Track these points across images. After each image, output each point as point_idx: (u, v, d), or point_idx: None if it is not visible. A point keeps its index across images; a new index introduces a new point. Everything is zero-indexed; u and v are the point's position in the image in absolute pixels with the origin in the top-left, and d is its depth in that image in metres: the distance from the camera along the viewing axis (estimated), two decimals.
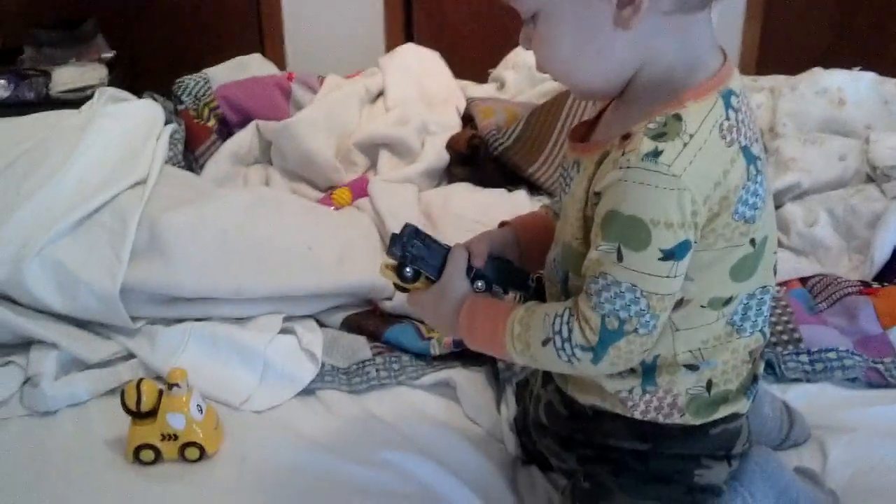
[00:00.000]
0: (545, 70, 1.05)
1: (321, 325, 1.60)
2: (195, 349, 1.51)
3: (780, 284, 1.65)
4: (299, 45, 3.78)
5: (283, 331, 1.56)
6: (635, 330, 0.97)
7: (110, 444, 1.35)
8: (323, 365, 1.50)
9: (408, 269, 1.12)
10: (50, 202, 1.64)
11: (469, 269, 1.12)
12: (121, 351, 1.52)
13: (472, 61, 2.75)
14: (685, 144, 0.92)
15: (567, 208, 1.06)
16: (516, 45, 1.05)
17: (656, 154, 0.92)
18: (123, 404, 1.30)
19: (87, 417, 1.41)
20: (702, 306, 1.02)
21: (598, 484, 1.12)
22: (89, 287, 1.52)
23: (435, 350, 1.50)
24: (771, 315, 1.52)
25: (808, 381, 1.46)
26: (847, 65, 2.36)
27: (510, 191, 2.08)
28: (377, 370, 1.49)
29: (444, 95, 2.41)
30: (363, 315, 1.61)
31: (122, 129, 1.89)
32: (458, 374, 1.47)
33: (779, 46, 3.66)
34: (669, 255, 0.94)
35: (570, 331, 0.99)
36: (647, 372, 1.05)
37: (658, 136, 0.93)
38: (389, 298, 1.60)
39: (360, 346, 1.53)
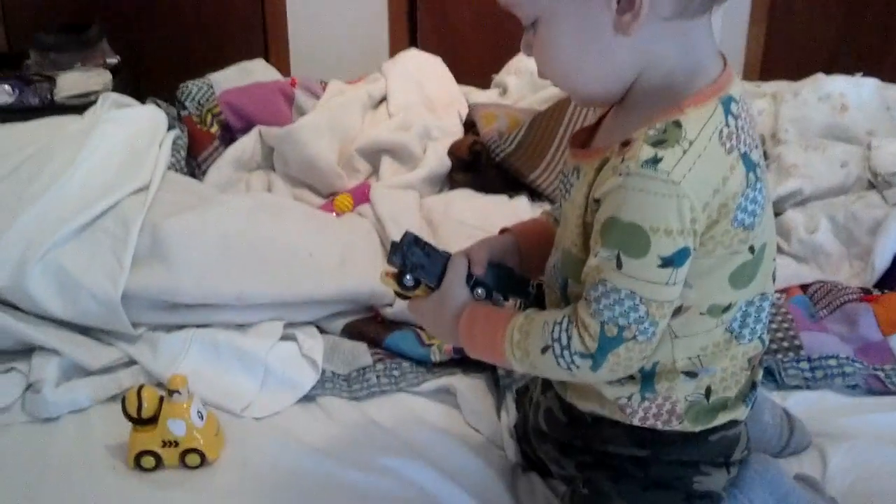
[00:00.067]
0: (546, 76, 1.06)
1: (322, 331, 1.61)
2: (196, 356, 1.51)
3: (780, 291, 1.66)
4: (304, 49, 3.79)
5: (284, 337, 1.56)
6: (634, 337, 0.97)
7: (111, 451, 1.35)
8: (323, 371, 1.50)
9: (408, 277, 1.13)
10: (53, 207, 1.64)
11: (469, 276, 1.13)
12: (122, 357, 1.52)
13: (476, 66, 2.76)
14: (685, 151, 0.92)
15: (567, 214, 1.06)
16: (519, 50, 1.06)
17: (656, 161, 0.92)
18: (124, 411, 1.30)
19: (89, 424, 1.41)
20: (701, 313, 1.02)
21: (598, 490, 1.12)
22: (91, 293, 1.52)
23: (435, 357, 1.50)
24: (771, 322, 1.52)
25: (809, 388, 1.46)
26: (852, 69, 2.36)
27: (511, 197, 2.08)
28: (378, 377, 1.49)
29: (447, 101, 2.42)
30: (364, 321, 1.61)
31: (125, 134, 1.89)
32: (459, 381, 1.47)
33: (784, 50, 3.66)
34: (668, 263, 0.94)
35: (569, 338, 0.99)
36: (646, 379, 1.05)
37: (658, 142, 0.93)
38: (390, 305, 1.60)
39: (360, 353, 1.53)
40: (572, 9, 0.97)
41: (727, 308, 1.03)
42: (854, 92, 2.23)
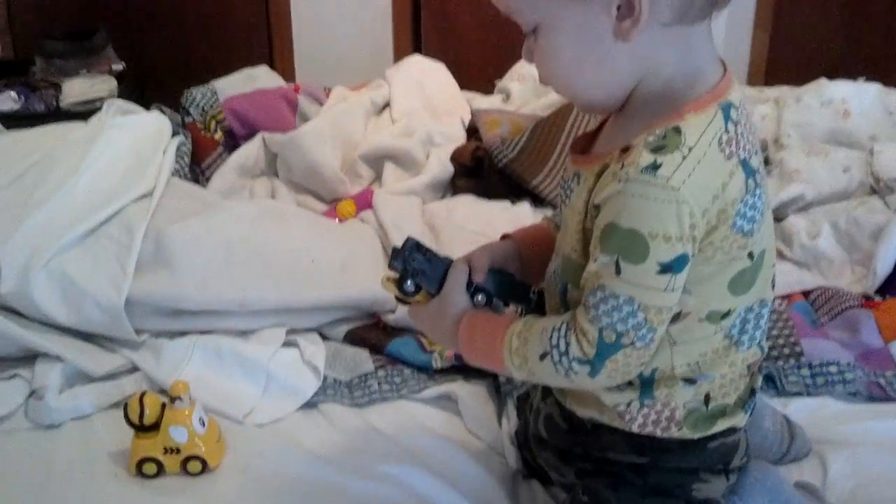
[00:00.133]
0: (547, 83, 1.06)
1: (324, 337, 1.61)
2: (199, 362, 1.51)
3: (782, 297, 1.65)
4: (308, 55, 3.80)
5: (286, 344, 1.56)
6: (632, 343, 0.97)
7: (114, 457, 1.35)
8: (325, 378, 1.50)
9: (409, 283, 1.13)
10: (58, 214, 1.65)
11: (469, 282, 1.13)
12: (125, 364, 1.52)
13: (479, 72, 2.76)
14: (684, 157, 0.93)
15: (567, 220, 1.06)
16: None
17: (655, 167, 0.92)
18: (126, 417, 1.31)
19: (91, 430, 1.41)
20: (700, 320, 1.02)
21: (597, 498, 1.12)
22: (94, 299, 1.53)
23: (437, 363, 1.50)
24: (772, 328, 1.52)
25: (809, 394, 1.46)
26: (856, 74, 2.36)
27: (514, 203, 2.08)
28: (379, 383, 1.49)
29: (450, 107, 2.42)
30: (366, 328, 1.61)
31: (129, 141, 1.90)
32: (460, 388, 1.47)
33: (788, 55, 3.66)
34: (667, 269, 0.94)
35: (567, 344, 0.99)
36: (645, 385, 1.05)
37: (657, 148, 0.93)
38: (392, 311, 1.60)
39: (362, 360, 1.54)
40: (572, 15, 0.97)
41: (726, 314, 1.03)
42: (856, 97, 2.23)
